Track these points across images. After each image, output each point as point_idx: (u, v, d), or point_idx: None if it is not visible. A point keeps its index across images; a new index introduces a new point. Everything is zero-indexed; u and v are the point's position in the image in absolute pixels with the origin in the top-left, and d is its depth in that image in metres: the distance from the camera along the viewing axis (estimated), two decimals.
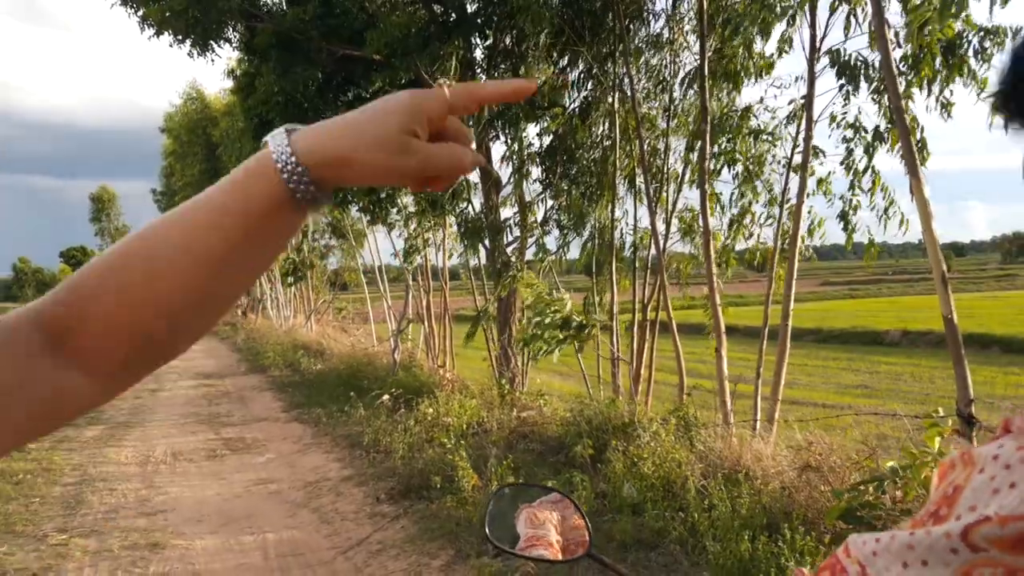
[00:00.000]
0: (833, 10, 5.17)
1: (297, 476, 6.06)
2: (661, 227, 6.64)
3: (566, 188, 7.85)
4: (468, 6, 7.74)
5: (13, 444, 0.46)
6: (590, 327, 5.99)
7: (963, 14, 4.25)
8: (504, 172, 8.28)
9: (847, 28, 5.06)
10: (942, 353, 11.43)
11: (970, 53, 4.66)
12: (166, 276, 0.47)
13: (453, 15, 7.71)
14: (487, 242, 8.19)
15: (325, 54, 7.75)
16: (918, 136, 4.78)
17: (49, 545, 4.61)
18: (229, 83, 11.13)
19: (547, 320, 5.74)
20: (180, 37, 7.84)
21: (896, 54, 4.56)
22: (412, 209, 9.08)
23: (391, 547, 4.32)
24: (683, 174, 6.88)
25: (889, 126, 4.98)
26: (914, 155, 3.62)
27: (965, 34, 4.64)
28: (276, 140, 0.47)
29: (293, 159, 0.46)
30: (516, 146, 8.00)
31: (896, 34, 4.70)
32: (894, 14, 4.59)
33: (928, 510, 0.40)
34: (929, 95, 4.77)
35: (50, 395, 0.46)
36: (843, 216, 5.50)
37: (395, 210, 9.25)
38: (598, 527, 4.05)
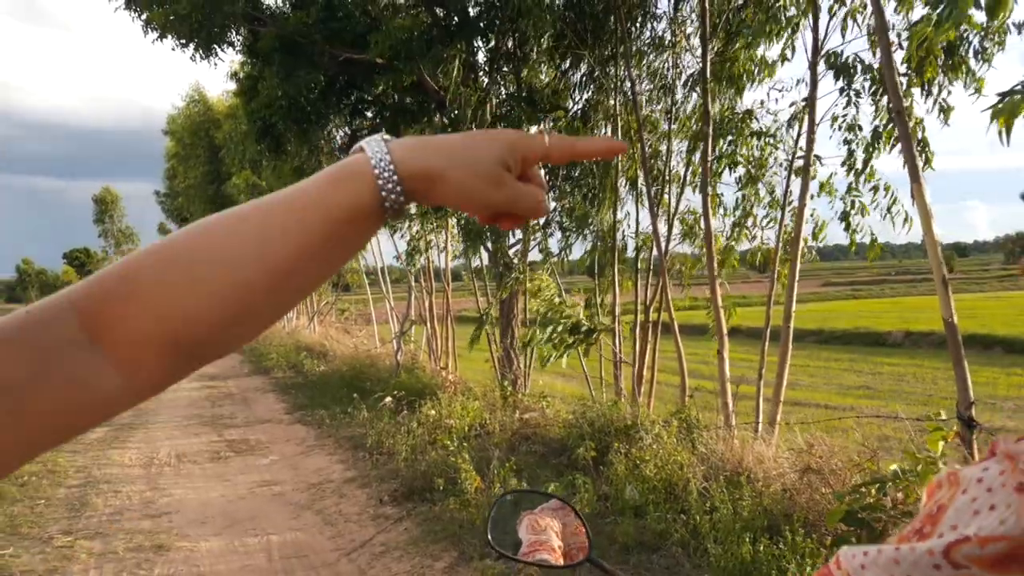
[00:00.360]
0: (832, 14, 5.20)
1: (301, 478, 6.08)
2: (663, 229, 6.66)
3: (569, 190, 7.87)
4: (470, 9, 7.76)
5: (41, 441, 0.42)
6: (598, 331, 6.00)
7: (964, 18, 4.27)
8: None
9: (844, 29, 5.08)
10: (944, 354, 11.41)
11: (970, 54, 4.67)
12: (227, 279, 0.44)
13: (456, 18, 7.73)
14: (489, 244, 8.21)
15: (328, 57, 7.78)
16: (920, 136, 4.80)
17: (54, 547, 4.64)
18: (232, 85, 11.18)
19: (559, 328, 5.76)
20: (183, 41, 7.87)
21: (896, 55, 4.58)
22: (414, 211, 9.10)
23: (394, 549, 4.34)
24: (685, 176, 6.90)
25: (888, 126, 5.00)
26: (915, 159, 3.64)
27: (966, 34, 4.65)
28: (373, 146, 0.47)
29: (392, 167, 0.46)
30: None
31: (898, 35, 4.72)
32: (891, 13, 4.61)
33: (914, 527, 0.42)
34: (928, 97, 4.79)
35: (77, 386, 0.42)
36: (844, 217, 5.53)
37: None
38: (600, 529, 4.07)
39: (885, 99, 4.85)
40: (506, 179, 0.48)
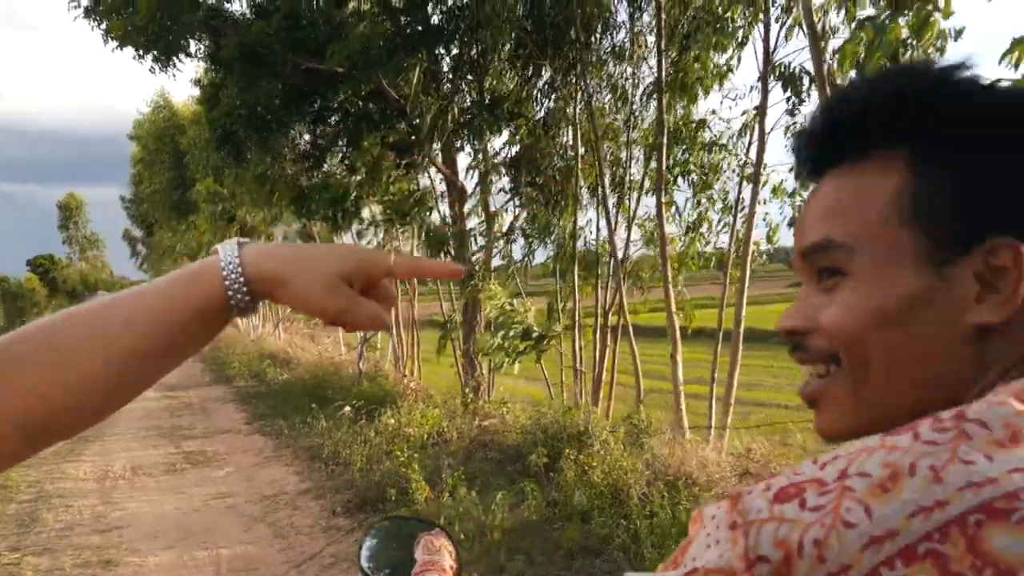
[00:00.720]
0: (781, 23, 5.32)
1: (255, 490, 6.04)
2: (623, 234, 6.78)
3: (533, 197, 7.93)
4: (433, 19, 7.79)
5: None
6: (549, 337, 6.05)
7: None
8: (471, 182, 8.37)
9: (788, 37, 5.20)
10: None
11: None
12: (75, 368, 0.47)
13: (419, 28, 7.74)
14: (452, 251, 8.24)
15: (290, 67, 7.74)
16: None
17: (1, 564, 4.57)
18: (196, 91, 11.08)
19: (511, 333, 5.80)
20: (142, 52, 7.80)
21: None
22: (380, 218, 9.11)
23: (343, 560, 4.35)
24: (642, 183, 7.01)
25: None
26: None
27: (909, 40, 4.78)
28: (226, 250, 0.52)
29: (239, 270, 0.51)
30: (481, 156, 8.08)
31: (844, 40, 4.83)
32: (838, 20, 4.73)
33: (673, 557, 0.48)
34: None
35: None
36: (792, 222, 5.68)
37: (357, 221, 9.27)
38: (547, 535, 4.12)
39: None
40: (344, 291, 0.53)
